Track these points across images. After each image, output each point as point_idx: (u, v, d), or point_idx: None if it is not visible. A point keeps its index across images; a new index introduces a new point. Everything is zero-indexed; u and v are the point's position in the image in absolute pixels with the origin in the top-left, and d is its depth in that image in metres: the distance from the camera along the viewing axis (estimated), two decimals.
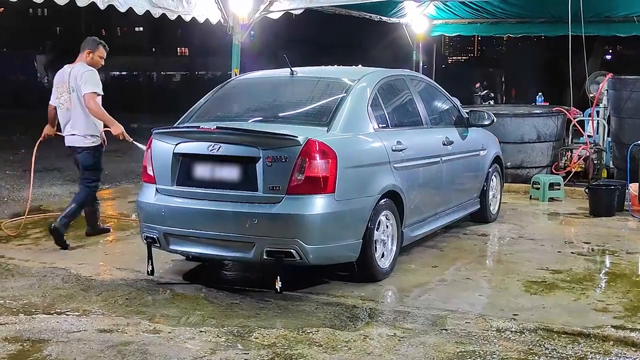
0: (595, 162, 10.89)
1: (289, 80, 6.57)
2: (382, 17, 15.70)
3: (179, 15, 10.27)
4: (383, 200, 5.92)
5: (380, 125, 6.22)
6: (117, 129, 7.16)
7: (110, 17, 54.89)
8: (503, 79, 25.20)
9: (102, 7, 8.84)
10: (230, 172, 5.61)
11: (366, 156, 5.90)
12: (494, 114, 8.03)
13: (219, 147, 5.55)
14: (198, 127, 5.76)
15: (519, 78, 21.44)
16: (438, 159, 6.90)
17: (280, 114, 6.15)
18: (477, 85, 19.31)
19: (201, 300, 5.48)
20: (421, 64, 17.86)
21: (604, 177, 10.67)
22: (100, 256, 6.84)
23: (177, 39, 58.62)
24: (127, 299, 5.52)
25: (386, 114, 6.38)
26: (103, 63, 7.61)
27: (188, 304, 5.39)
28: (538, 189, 9.89)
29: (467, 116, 7.74)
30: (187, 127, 5.92)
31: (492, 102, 17.33)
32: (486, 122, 7.78)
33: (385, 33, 17.11)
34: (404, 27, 16.68)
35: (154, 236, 5.80)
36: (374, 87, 6.30)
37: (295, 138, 5.37)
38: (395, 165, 6.10)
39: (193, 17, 10.57)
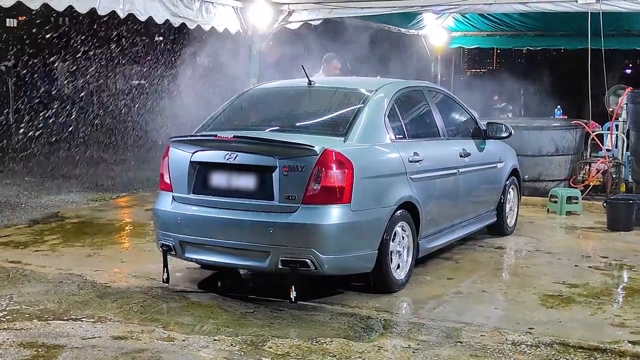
0: (614, 176, 10.81)
1: (306, 90, 6.58)
2: (401, 28, 15.75)
3: (198, 25, 10.34)
4: (399, 211, 5.91)
5: (397, 136, 6.21)
6: None
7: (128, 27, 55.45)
8: (522, 92, 25.06)
9: (122, 15, 8.97)
10: (247, 181, 5.62)
11: (383, 167, 5.89)
12: (512, 126, 8.00)
13: (236, 156, 5.57)
14: (215, 135, 5.78)
15: (538, 91, 21.33)
16: (455, 171, 6.88)
17: (297, 124, 6.16)
18: (496, 97, 19.20)
19: (215, 309, 5.48)
20: (439, 76, 17.87)
21: (623, 191, 10.58)
22: (116, 263, 6.87)
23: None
24: (142, 306, 5.54)
25: (403, 125, 6.38)
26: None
27: (202, 312, 5.39)
28: (555, 202, 9.82)
29: (484, 128, 7.72)
30: (204, 135, 5.94)
31: (510, 115, 17.24)
32: (504, 135, 7.75)
33: (404, 44, 17.13)
34: (422, 39, 16.72)
35: (170, 244, 5.82)
36: (391, 98, 6.30)
37: (312, 148, 5.37)
38: (411, 176, 6.08)
39: (212, 27, 10.65)
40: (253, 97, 6.84)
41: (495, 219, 8.03)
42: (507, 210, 8.26)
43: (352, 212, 5.44)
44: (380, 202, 5.73)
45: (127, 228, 8.49)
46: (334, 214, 5.38)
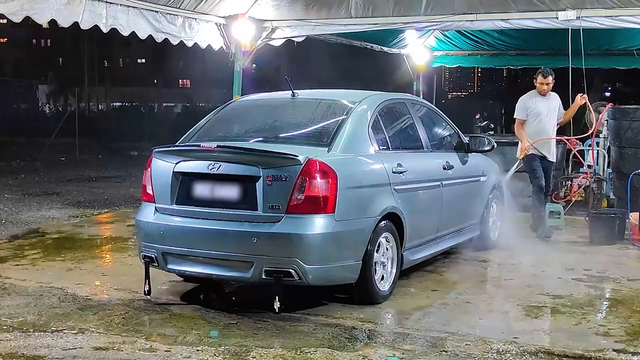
0: (596, 191, 10.86)
1: (290, 101, 6.57)
2: (383, 47, 15.81)
3: (182, 40, 10.32)
4: (383, 222, 5.89)
5: (381, 147, 6.21)
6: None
7: (113, 48, 55.45)
8: (503, 111, 25.32)
9: (104, 30, 8.91)
10: (231, 191, 5.59)
11: (367, 177, 5.89)
12: (496, 141, 8.03)
13: (219, 166, 5.54)
14: (199, 145, 5.75)
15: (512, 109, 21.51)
16: (438, 183, 6.88)
17: (281, 134, 6.14)
18: (477, 116, 19.32)
19: (198, 320, 5.42)
20: (422, 95, 17.95)
21: (604, 206, 10.63)
22: (98, 277, 6.79)
23: (179, 71, 59.14)
24: (123, 318, 5.47)
25: (387, 136, 6.38)
26: (545, 89, 9.09)
27: (185, 324, 5.33)
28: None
29: (467, 142, 7.74)
30: (188, 145, 5.91)
31: (492, 133, 17.36)
32: (487, 148, 7.78)
33: (387, 63, 17.25)
34: (404, 57, 16.80)
35: (152, 255, 5.76)
36: (374, 109, 6.31)
37: (295, 157, 5.36)
38: (395, 187, 6.08)
39: (195, 43, 10.63)
40: (237, 108, 6.82)
41: (479, 232, 8.03)
42: (491, 223, 8.27)
43: (336, 222, 5.42)
44: (364, 212, 5.71)
45: (108, 243, 8.40)
46: (318, 224, 5.36)
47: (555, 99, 9.29)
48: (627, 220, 9.08)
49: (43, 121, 37.08)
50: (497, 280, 7.05)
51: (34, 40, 63.85)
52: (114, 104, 50.95)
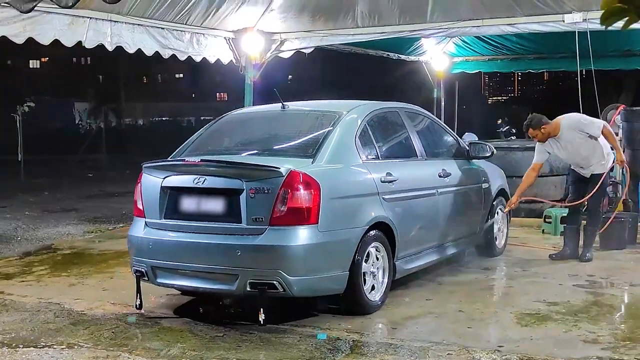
0: (611, 195, 10.67)
1: (280, 114, 6.62)
2: (400, 55, 15.78)
3: (189, 56, 10.44)
4: (372, 232, 5.88)
5: (370, 157, 6.21)
6: None
7: (151, 64, 56.20)
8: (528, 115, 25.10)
9: (110, 48, 9.04)
10: (215, 205, 5.64)
11: (353, 187, 5.88)
12: (506, 147, 7.95)
13: (204, 180, 5.60)
14: (184, 160, 5.82)
15: (548, 114, 21.27)
16: (433, 191, 6.84)
17: (269, 147, 6.19)
18: (499, 121, 19.26)
19: (185, 333, 5.46)
20: (443, 102, 17.88)
21: (620, 210, 10.45)
22: (98, 292, 6.88)
23: (216, 85, 59.68)
24: (113, 332, 5.53)
25: (376, 146, 6.38)
26: (541, 137, 7.83)
27: (172, 337, 5.38)
28: (550, 223, 9.72)
29: (467, 149, 7.69)
30: (174, 160, 5.98)
31: (514, 138, 17.22)
32: (487, 154, 7.72)
33: (405, 71, 17.20)
34: (424, 65, 16.75)
35: (143, 269, 5.83)
36: (363, 119, 6.31)
37: (277, 169, 5.38)
38: (384, 196, 6.06)
39: (204, 58, 10.74)
40: (229, 122, 6.88)
41: (483, 240, 7.96)
42: (496, 231, 8.19)
43: (320, 232, 5.43)
44: (351, 222, 5.71)
45: (116, 258, 8.50)
46: (301, 235, 5.37)
47: (566, 132, 7.76)
48: (639, 224, 8.93)
49: (77, 138, 37.71)
50: (495, 288, 6.98)
51: (74, 59, 64.94)
52: (153, 118, 51.61)
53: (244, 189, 5.42)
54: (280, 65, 12.24)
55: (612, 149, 8.08)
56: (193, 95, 60.26)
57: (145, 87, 58.74)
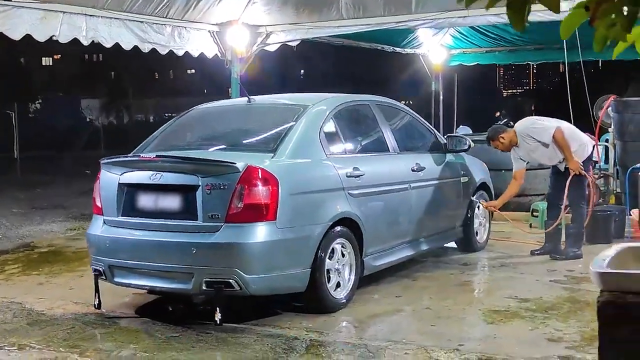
0: (602, 188, 10.47)
1: (245, 107, 6.46)
2: (395, 48, 15.57)
3: (171, 50, 10.28)
4: (337, 228, 5.72)
5: (335, 151, 6.04)
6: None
7: (163, 61, 55.95)
8: (533, 108, 24.89)
9: (85, 42, 8.88)
10: (172, 201, 5.50)
11: (315, 182, 5.71)
12: None
13: (160, 176, 5.45)
14: (139, 156, 5.67)
15: (550, 106, 21.18)
16: (406, 186, 6.67)
17: (231, 142, 6.03)
18: (498, 114, 19.05)
19: (141, 334, 5.33)
20: (441, 95, 17.67)
21: (612, 202, 10.25)
22: (64, 291, 6.75)
23: (227, 79, 59.52)
24: (68, 332, 5.40)
25: (342, 140, 6.21)
26: (502, 148, 7.73)
27: (126, 338, 5.24)
28: (537, 216, 9.50)
29: (444, 142, 7.51)
30: (130, 156, 5.83)
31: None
32: (464, 147, 7.54)
33: (401, 64, 16.98)
34: (420, 57, 16.54)
35: (100, 269, 5.70)
36: (329, 112, 6.14)
37: (233, 165, 5.23)
38: (350, 191, 5.90)
39: (186, 52, 10.58)
40: (194, 117, 6.72)
41: (462, 235, 7.78)
42: (477, 225, 8.01)
43: (279, 229, 5.27)
44: (312, 218, 5.55)
45: (84, 256, 8.38)
46: (258, 233, 5.22)
47: (520, 139, 7.61)
48: (627, 217, 8.73)
49: (81, 135, 37.68)
50: (469, 284, 6.79)
51: (86, 56, 64.84)
52: (165, 114, 51.50)
53: (199, 185, 5.27)
54: (293, 59, 12.09)
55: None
56: (205, 91, 60.24)
57: (156, 84, 58.70)
